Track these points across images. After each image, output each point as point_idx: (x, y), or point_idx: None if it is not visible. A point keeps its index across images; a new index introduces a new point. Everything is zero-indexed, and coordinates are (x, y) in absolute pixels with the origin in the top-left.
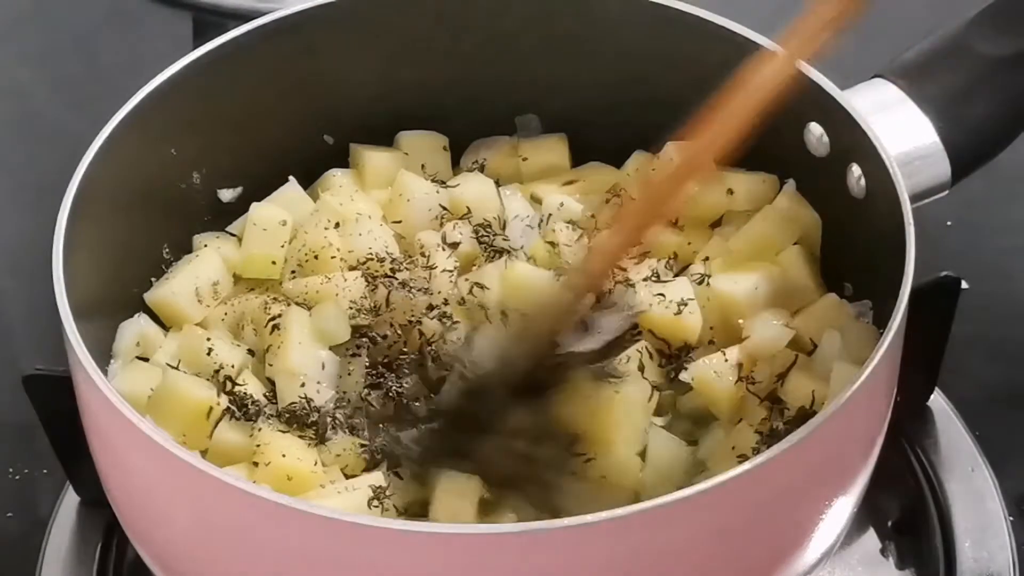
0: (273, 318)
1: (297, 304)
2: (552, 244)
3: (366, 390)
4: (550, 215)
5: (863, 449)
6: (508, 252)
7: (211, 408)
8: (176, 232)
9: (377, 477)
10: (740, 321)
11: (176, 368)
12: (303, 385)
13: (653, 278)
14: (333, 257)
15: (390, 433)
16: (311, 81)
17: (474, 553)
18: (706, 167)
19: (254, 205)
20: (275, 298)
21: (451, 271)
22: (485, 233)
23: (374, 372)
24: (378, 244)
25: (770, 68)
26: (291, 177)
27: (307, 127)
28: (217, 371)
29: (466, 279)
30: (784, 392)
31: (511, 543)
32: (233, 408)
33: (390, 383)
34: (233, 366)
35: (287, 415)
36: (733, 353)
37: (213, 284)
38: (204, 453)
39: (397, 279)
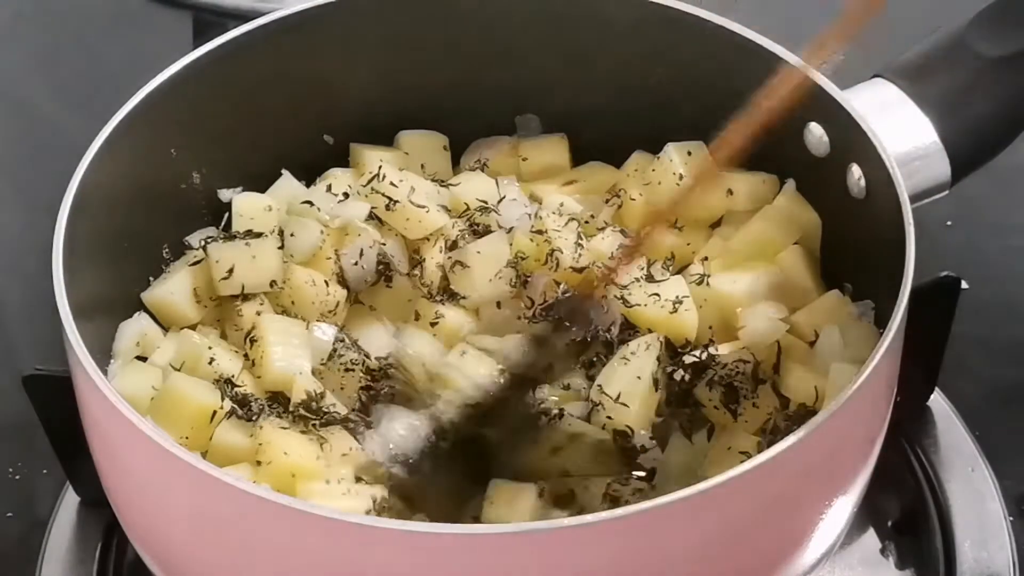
0: (248, 332)
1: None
2: (540, 232)
3: (359, 393)
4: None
5: (863, 449)
6: (491, 231)
7: (215, 412)
8: (176, 232)
9: (379, 489)
10: (739, 322)
11: (178, 370)
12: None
13: (646, 278)
14: (328, 258)
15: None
16: (311, 81)
17: (474, 553)
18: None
19: (236, 197)
20: (262, 301)
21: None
22: (479, 214)
23: (368, 376)
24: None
25: (789, 80)
26: (284, 171)
27: (307, 127)
28: (218, 378)
29: (449, 256)
30: (784, 388)
31: (511, 543)
32: (235, 407)
33: (383, 388)
34: (233, 376)
35: (298, 412)
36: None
37: (211, 284)
38: (204, 454)
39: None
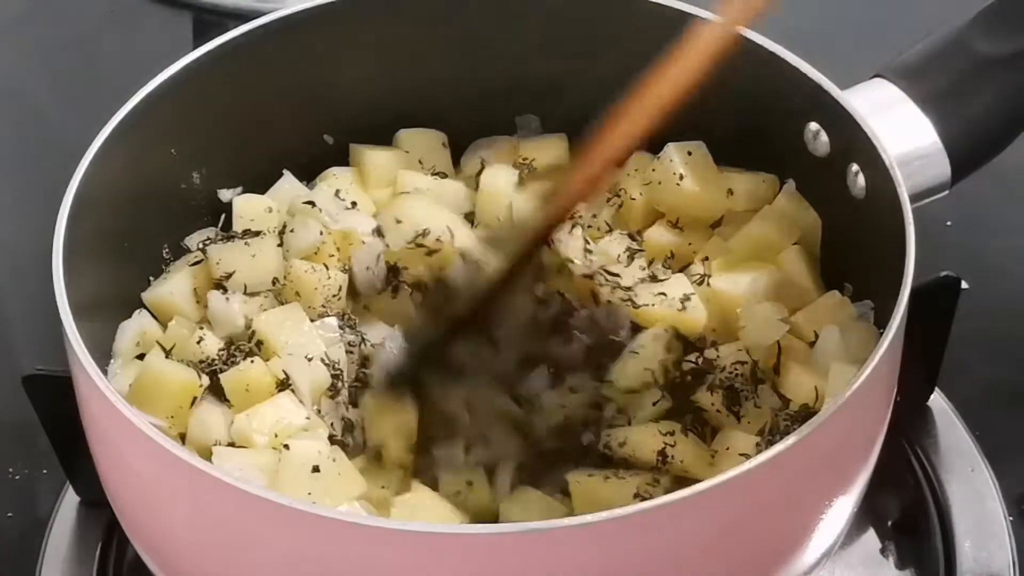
0: (252, 334)
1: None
2: None
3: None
4: None
5: (863, 449)
6: None
7: (193, 390)
8: (176, 232)
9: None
10: (739, 322)
11: (168, 352)
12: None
13: (650, 279)
14: (332, 256)
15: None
16: (311, 81)
17: (474, 553)
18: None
19: (237, 198)
20: (266, 295)
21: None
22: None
23: (361, 364)
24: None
25: (707, 35)
26: (285, 171)
27: (307, 127)
28: (204, 359)
29: None
30: (784, 388)
31: (511, 543)
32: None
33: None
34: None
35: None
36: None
37: (211, 284)
38: (183, 436)
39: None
